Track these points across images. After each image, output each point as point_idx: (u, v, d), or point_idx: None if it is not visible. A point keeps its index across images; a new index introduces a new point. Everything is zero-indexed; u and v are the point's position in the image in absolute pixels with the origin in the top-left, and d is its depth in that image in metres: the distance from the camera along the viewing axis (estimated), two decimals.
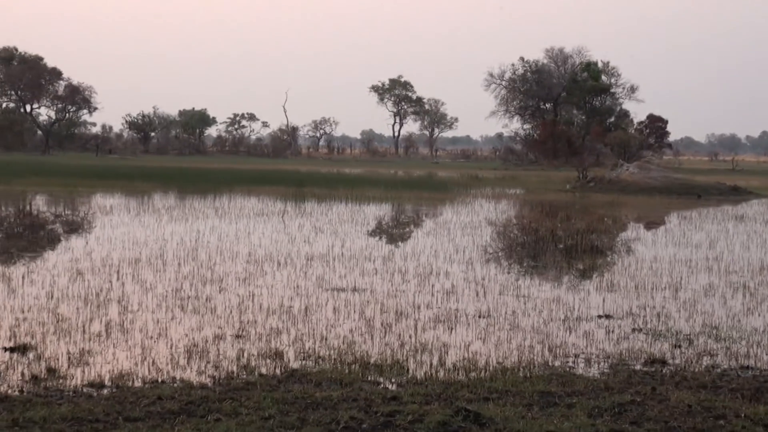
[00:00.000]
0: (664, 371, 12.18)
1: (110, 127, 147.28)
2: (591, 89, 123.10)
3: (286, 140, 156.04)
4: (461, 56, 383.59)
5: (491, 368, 12.02)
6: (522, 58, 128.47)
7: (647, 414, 9.98)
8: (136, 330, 13.86)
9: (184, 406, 9.78)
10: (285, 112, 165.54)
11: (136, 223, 30.30)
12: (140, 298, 16.50)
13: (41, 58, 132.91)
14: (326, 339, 13.66)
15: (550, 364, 12.49)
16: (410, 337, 13.97)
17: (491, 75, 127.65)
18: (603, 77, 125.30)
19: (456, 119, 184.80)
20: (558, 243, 28.49)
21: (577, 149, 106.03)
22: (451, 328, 14.73)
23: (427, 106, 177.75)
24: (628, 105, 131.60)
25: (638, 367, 12.45)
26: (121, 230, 27.91)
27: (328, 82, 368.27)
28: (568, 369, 12.22)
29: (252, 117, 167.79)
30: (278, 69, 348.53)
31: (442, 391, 10.69)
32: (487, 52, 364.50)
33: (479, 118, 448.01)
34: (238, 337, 13.62)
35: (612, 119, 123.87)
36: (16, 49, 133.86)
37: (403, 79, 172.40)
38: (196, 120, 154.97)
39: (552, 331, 14.76)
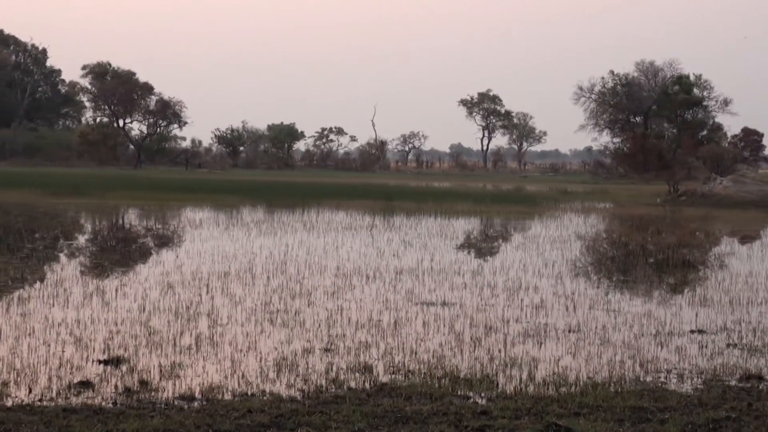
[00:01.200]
0: (760, 387, 11.95)
1: (200, 142, 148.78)
2: (683, 102, 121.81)
3: (374, 154, 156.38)
4: (550, 70, 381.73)
5: (581, 383, 11.89)
6: (612, 72, 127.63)
7: (743, 430, 9.80)
8: (226, 343, 13.94)
9: (274, 419, 9.80)
10: (373, 126, 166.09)
11: (225, 237, 30.56)
12: (230, 311, 16.61)
13: (134, 73, 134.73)
14: (416, 353, 13.62)
15: (641, 379, 12.32)
16: (499, 351, 13.88)
17: (580, 88, 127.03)
18: (695, 90, 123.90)
19: (545, 133, 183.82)
20: (648, 257, 28.15)
21: (668, 163, 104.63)
22: (541, 343, 14.61)
23: (515, 120, 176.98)
24: (721, 118, 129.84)
25: (733, 382, 12.23)
26: (210, 244, 28.16)
27: (417, 96, 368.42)
28: (660, 384, 12.05)
29: (340, 131, 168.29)
30: (367, 83, 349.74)
31: (532, 405, 10.60)
32: (576, 65, 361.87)
33: (568, 131, 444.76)
34: (326, 350, 13.64)
35: (704, 132, 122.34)
36: (110, 65, 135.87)
37: (491, 93, 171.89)
38: (285, 134, 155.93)
39: (643, 346, 14.57)
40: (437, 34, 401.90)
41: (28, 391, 10.85)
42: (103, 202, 48.38)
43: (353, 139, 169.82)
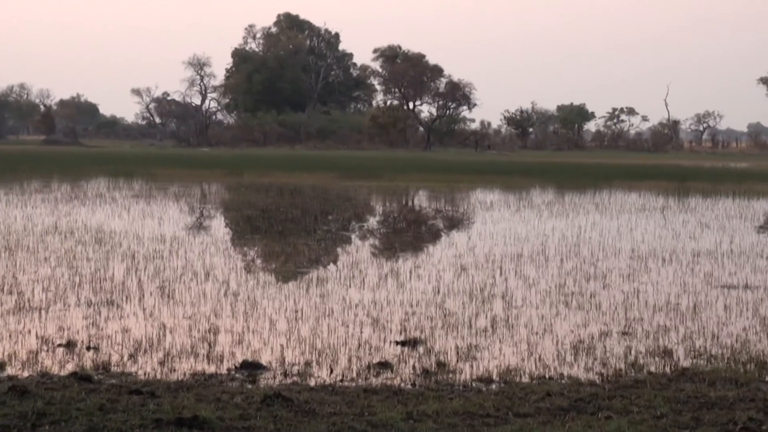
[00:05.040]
0: None
1: (489, 123, 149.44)
2: None
3: (666, 134, 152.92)
4: None
5: None
6: None
7: None
8: (521, 325, 13.83)
9: (573, 403, 9.62)
10: (666, 106, 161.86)
11: (517, 219, 30.47)
12: (524, 293, 16.50)
13: (423, 56, 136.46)
14: (717, 337, 13.13)
15: None
16: None
17: None
18: None
19: None
20: None
21: None
22: None
23: None
24: None
25: None
26: (501, 226, 28.12)
27: (712, 75, 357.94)
28: None
29: (631, 111, 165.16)
30: (659, 61, 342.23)
31: None
32: None
33: None
34: (624, 334, 13.33)
35: None
36: (400, 48, 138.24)
37: None
38: (575, 115, 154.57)
39: None
40: (733, 9, 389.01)
41: (329, 371, 11.06)
42: (394, 185, 49.22)
43: (645, 119, 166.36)
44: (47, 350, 11.76)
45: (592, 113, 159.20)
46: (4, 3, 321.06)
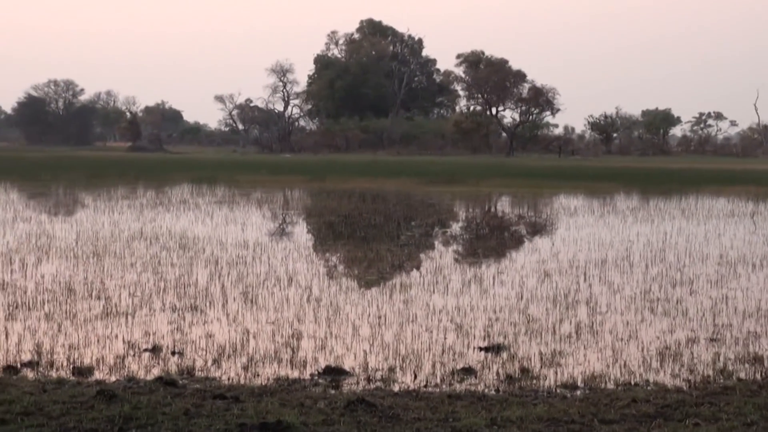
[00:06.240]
0: None
1: (572, 129, 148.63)
2: None
3: (756, 139, 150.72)
4: None
5: None
6: None
7: None
8: (606, 331, 13.69)
9: (660, 409, 9.49)
10: (756, 110, 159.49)
11: (601, 224, 30.21)
12: (608, 299, 16.33)
13: (506, 61, 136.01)
14: None
15: None
16: None
17: None
18: None
19: None
20: None
21: None
22: None
23: None
24: None
25: None
26: (585, 231, 27.90)
27: None
28: None
29: (719, 116, 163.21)
30: (747, 66, 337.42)
31: None
32: None
33: None
34: (712, 340, 13.13)
35: None
36: (483, 53, 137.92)
37: None
38: (660, 120, 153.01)
39: None
40: None
41: (413, 376, 11.02)
42: (477, 190, 49.09)
43: (733, 123, 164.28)
44: (133, 355, 11.87)
45: (678, 118, 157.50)
46: (92, 14, 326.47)
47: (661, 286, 17.75)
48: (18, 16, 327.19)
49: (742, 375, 11.14)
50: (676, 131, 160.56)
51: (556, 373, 11.25)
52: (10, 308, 14.67)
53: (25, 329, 13.24)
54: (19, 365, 11.21)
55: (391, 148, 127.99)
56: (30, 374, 10.84)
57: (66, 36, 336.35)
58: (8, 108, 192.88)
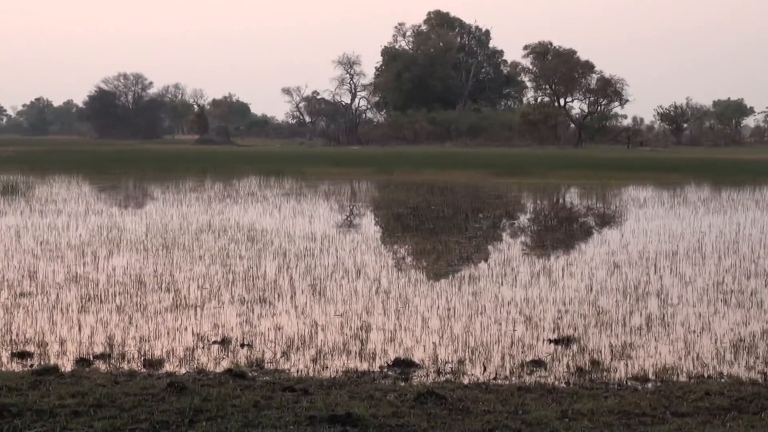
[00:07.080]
0: None
1: (641, 119, 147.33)
2: None
3: None
4: None
5: None
6: None
7: None
8: (677, 324, 13.53)
9: (734, 402, 9.35)
10: None
11: (671, 216, 29.89)
12: (679, 291, 16.14)
13: (574, 52, 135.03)
14: None
15: None
16: None
17: None
18: None
19: None
20: None
21: None
22: None
23: None
24: None
25: None
26: (655, 223, 27.62)
27: None
28: None
29: None
30: None
31: None
32: None
33: None
34: None
35: None
36: (551, 44, 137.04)
37: None
38: (732, 110, 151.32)
39: None
40: None
41: (482, 369, 10.97)
42: (545, 182, 48.81)
43: None
44: (203, 347, 11.93)
45: (751, 108, 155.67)
46: (162, 13, 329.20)
47: (735, 277, 17.52)
48: (93, 16, 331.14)
49: None
50: (749, 121, 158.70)
51: (626, 365, 11.13)
52: (83, 301, 14.82)
53: (97, 322, 13.37)
54: (91, 357, 11.32)
55: (458, 140, 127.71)
56: (102, 366, 10.94)
57: (136, 32, 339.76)
58: (80, 102, 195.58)
